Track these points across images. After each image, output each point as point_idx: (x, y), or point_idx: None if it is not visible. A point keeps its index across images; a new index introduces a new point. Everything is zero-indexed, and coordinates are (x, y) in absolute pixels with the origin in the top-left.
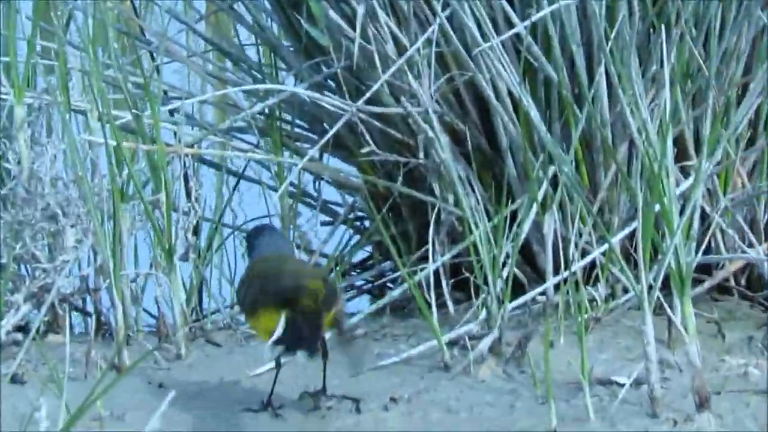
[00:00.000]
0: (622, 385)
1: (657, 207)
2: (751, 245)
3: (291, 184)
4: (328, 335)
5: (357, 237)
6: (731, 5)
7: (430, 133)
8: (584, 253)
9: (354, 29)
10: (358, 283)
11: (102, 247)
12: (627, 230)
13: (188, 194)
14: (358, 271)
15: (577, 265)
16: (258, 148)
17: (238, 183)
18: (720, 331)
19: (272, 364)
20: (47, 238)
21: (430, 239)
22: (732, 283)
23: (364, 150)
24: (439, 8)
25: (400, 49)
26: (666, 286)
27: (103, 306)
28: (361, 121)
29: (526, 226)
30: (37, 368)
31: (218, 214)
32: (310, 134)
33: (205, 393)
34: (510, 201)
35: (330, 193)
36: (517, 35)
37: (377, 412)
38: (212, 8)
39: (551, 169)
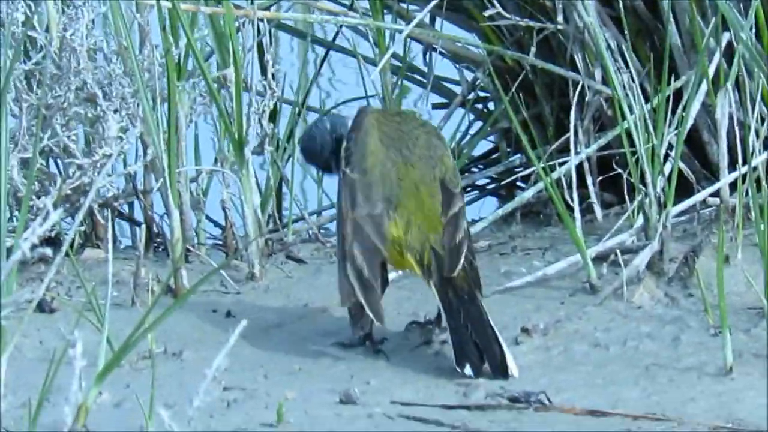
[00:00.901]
0: None
1: None
2: None
3: (394, 56)
4: None
5: (479, 123)
6: None
7: None
8: None
9: None
10: (481, 181)
11: (153, 137)
12: None
13: (263, 70)
14: (481, 166)
15: (759, 159)
16: (352, 11)
17: (327, 55)
18: None
19: None
20: (84, 125)
21: (572, 126)
22: None
23: (488, 12)
24: None
25: None
26: None
27: (155, 213)
28: None
29: (694, 110)
30: (70, 293)
31: (302, 95)
32: None
33: (285, 323)
34: (673, 78)
35: (444, 68)
36: None
37: None
38: None
39: (725, 37)
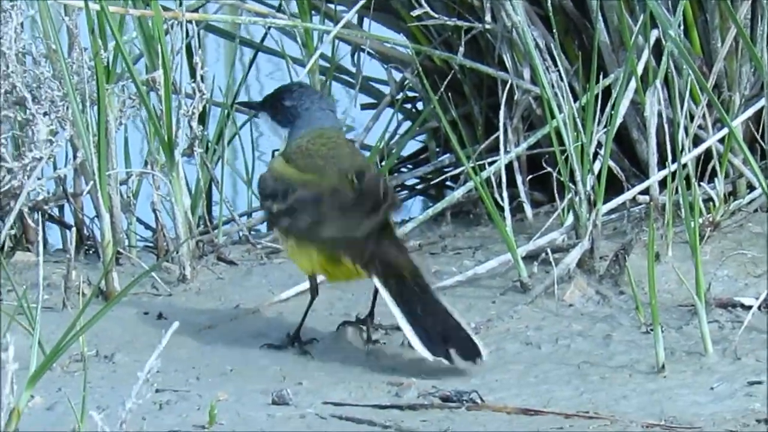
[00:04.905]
0: (749, 308)
1: None
2: None
3: (322, 56)
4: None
5: (407, 123)
6: None
7: None
8: (697, 141)
9: None
10: (410, 181)
11: (83, 140)
12: (751, 110)
13: (192, 72)
14: (410, 166)
15: (689, 156)
16: (280, 12)
17: (255, 57)
18: None
19: (302, 287)
20: (13, 129)
21: (501, 125)
22: None
23: (416, 12)
24: None
25: None
26: None
27: (86, 216)
28: None
29: (623, 108)
30: (1, 296)
31: (231, 97)
32: None
33: (217, 325)
34: (602, 76)
35: (373, 69)
36: None
37: None
38: None
39: (654, 35)
